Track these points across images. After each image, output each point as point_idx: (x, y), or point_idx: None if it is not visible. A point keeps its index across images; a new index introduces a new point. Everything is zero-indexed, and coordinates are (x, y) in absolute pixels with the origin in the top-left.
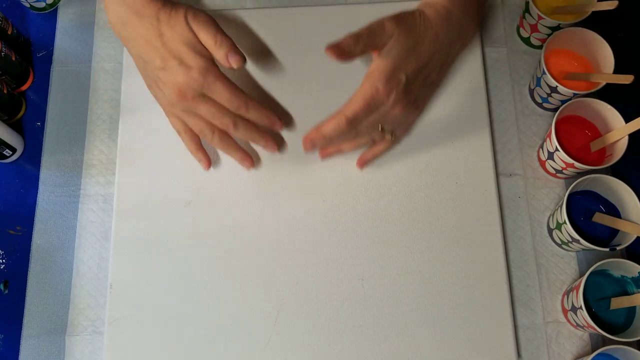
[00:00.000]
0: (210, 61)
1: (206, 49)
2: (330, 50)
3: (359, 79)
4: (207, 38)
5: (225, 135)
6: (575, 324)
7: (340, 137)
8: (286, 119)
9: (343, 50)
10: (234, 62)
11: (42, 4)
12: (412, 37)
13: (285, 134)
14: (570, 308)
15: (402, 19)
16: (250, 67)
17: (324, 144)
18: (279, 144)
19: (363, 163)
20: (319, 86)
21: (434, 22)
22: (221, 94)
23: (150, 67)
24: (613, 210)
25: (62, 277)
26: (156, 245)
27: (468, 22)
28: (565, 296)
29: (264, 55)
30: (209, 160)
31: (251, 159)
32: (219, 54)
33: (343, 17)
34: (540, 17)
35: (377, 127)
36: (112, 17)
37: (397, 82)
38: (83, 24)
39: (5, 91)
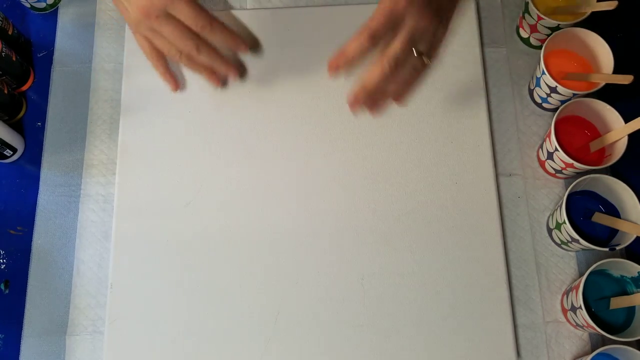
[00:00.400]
0: None
1: None
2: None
3: (357, 75)
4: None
5: (191, 57)
6: (574, 324)
7: (365, 55)
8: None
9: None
10: None
11: (43, 4)
12: None
13: (285, 133)
14: (569, 308)
15: None
16: (251, 66)
17: (349, 66)
18: (241, 71)
19: (402, 96)
20: (318, 86)
21: None
22: (186, 13)
23: None
24: (612, 210)
25: (63, 277)
26: (156, 245)
27: None
28: (565, 296)
29: (263, 55)
30: (176, 83)
31: (217, 79)
32: None
33: (343, 17)
34: (539, 18)
35: (412, 51)
36: None
37: None
38: (83, 24)
39: (5, 91)
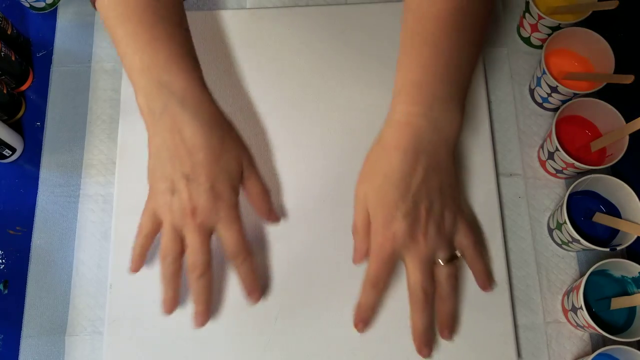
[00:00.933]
0: (237, 204)
1: (238, 192)
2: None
3: (357, 75)
4: (254, 191)
5: (186, 273)
6: (575, 324)
7: (378, 302)
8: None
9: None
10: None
11: (42, 4)
12: (376, 174)
13: (284, 133)
14: (570, 308)
15: (362, 176)
16: (250, 66)
17: (371, 315)
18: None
19: (448, 332)
20: (318, 85)
21: (391, 141)
22: (230, 236)
23: (178, 167)
24: (613, 210)
25: (62, 277)
26: (156, 245)
27: (443, 111)
28: (566, 296)
29: (263, 55)
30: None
31: (205, 318)
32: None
33: (343, 17)
34: (540, 17)
35: (435, 266)
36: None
37: (395, 222)
38: (83, 24)
39: (4, 91)
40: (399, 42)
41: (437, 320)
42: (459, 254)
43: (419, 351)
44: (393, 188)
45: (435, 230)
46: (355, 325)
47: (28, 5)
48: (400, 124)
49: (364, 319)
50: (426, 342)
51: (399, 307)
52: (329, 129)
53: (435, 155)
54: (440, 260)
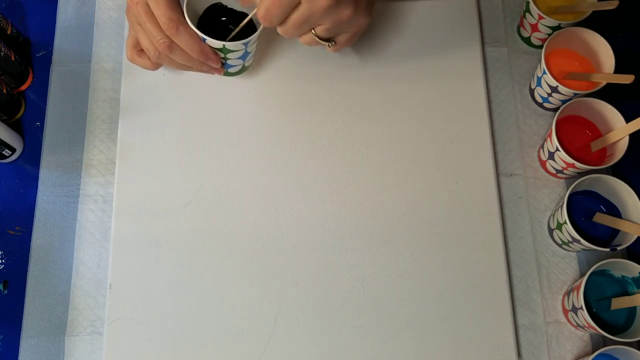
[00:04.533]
0: None
1: None
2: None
3: (356, 74)
4: None
5: (164, 56)
6: (575, 324)
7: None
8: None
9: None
10: None
11: None
12: None
13: (285, 133)
14: (570, 308)
15: None
16: (251, 67)
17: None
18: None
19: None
20: (319, 86)
21: None
22: (158, 8)
23: None
24: (614, 211)
25: (62, 278)
26: (156, 245)
27: None
28: (566, 296)
29: (263, 54)
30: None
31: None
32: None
33: None
34: (540, 17)
35: (308, 28)
36: None
37: None
38: (82, 24)
39: (4, 91)
40: None
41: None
42: (332, 44)
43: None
44: None
45: (337, 4)
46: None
47: None
48: None
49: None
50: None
51: (400, 308)
52: (329, 128)
53: None
54: (315, 31)
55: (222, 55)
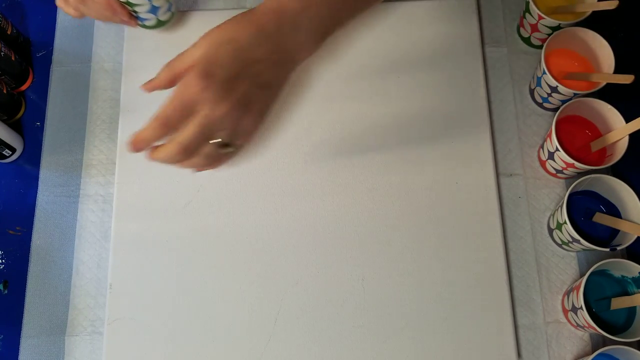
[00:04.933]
0: None
1: None
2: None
3: (355, 75)
4: None
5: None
6: (575, 324)
7: (160, 140)
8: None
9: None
10: None
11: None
12: (226, 30)
13: (285, 133)
14: (570, 308)
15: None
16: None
17: (149, 149)
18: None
19: (200, 169)
20: (319, 87)
21: (258, 14)
22: None
23: None
24: (613, 210)
25: (62, 277)
26: (156, 245)
27: (306, 19)
28: (566, 296)
29: None
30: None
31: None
32: None
33: None
34: (540, 17)
35: (209, 138)
36: None
37: (213, 77)
38: (83, 24)
39: (4, 91)
40: None
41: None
42: (229, 150)
43: (130, 146)
44: (233, 50)
45: (238, 115)
46: (128, 145)
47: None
48: (270, 9)
49: (141, 147)
50: (145, 149)
51: (400, 308)
52: (329, 129)
53: (280, 51)
54: (217, 139)
55: (131, 9)
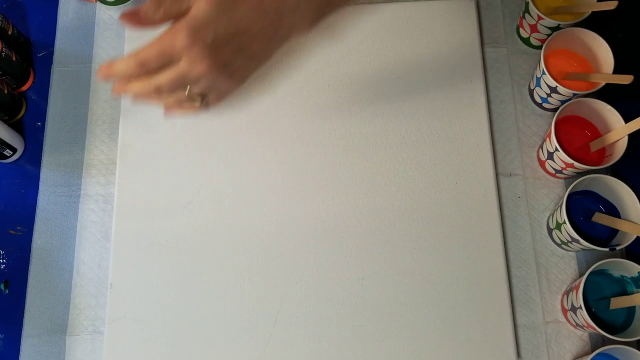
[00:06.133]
0: None
1: None
2: (125, 18)
3: (356, 76)
4: None
5: None
6: (574, 324)
7: (133, 77)
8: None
9: (139, 17)
10: None
11: None
12: None
13: (285, 133)
14: (569, 308)
15: None
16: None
17: (119, 81)
18: None
19: (166, 111)
20: (319, 85)
21: None
22: None
23: None
24: (613, 210)
25: (63, 277)
26: (156, 245)
27: (305, 1)
28: (565, 296)
29: None
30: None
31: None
32: None
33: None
34: (540, 17)
35: (183, 87)
36: None
37: (201, 38)
38: (83, 24)
39: (5, 91)
40: None
41: None
42: (198, 105)
43: (98, 73)
44: (228, 18)
45: (216, 76)
46: (98, 72)
47: None
48: None
49: (109, 76)
50: (113, 79)
51: (400, 308)
52: (329, 129)
53: (275, 27)
54: (190, 89)
55: None
